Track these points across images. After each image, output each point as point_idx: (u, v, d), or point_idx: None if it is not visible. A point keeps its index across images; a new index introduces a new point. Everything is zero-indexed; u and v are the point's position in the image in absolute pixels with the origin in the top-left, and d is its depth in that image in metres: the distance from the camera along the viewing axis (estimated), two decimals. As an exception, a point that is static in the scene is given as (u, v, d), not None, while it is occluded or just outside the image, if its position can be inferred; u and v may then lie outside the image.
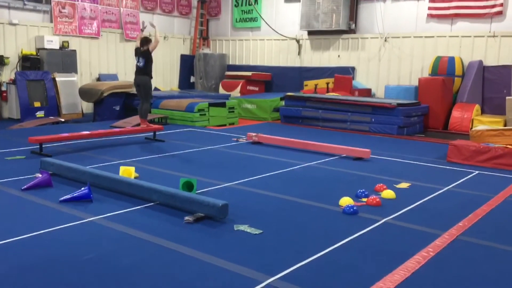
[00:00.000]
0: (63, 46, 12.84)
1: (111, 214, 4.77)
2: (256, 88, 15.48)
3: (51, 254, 3.76)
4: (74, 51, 13.08)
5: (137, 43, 9.36)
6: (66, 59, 12.75)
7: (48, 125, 10.86)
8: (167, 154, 7.99)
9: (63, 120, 11.53)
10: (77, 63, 13.16)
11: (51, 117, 11.53)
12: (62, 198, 5.15)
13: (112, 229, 4.35)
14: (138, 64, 9.22)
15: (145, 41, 9.20)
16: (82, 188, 5.23)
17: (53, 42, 12.50)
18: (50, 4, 12.84)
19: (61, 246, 3.94)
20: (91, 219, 4.61)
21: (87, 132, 8.39)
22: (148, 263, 3.65)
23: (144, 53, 9.13)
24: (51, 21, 12.92)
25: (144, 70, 9.20)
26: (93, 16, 13.84)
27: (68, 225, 4.43)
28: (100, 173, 5.75)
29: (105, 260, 3.69)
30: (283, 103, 13.01)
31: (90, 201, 5.14)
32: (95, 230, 4.34)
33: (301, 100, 12.35)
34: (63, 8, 13.12)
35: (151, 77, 9.38)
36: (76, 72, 12.96)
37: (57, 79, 12.11)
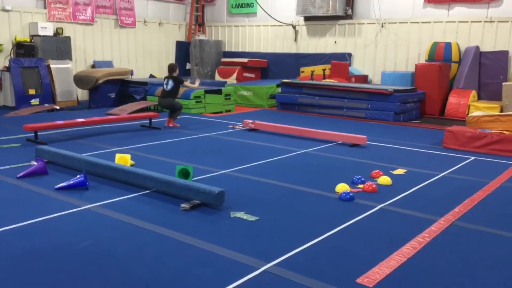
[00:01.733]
0: (57, 33, 12.71)
1: (107, 201, 4.76)
2: (253, 75, 15.42)
3: (47, 242, 3.76)
4: (69, 37, 12.95)
5: None
6: (61, 46, 12.63)
7: (43, 112, 10.80)
8: (163, 141, 7.97)
9: (58, 107, 11.46)
10: (72, 50, 13.05)
11: (46, 105, 11.46)
12: (57, 186, 5.13)
13: (108, 217, 4.35)
14: (166, 86, 9.34)
15: (172, 68, 9.37)
16: (78, 176, 5.21)
17: (47, 29, 12.37)
18: (44, -10, 12.69)
19: (57, 234, 3.94)
20: (87, 206, 4.60)
21: (82, 120, 8.34)
22: (144, 250, 3.65)
23: (175, 79, 9.28)
24: (45, 7, 12.77)
25: (170, 94, 9.35)
26: (87, 2, 13.68)
27: (64, 213, 4.42)
28: (95, 160, 5.73)
29: (101, 247, 3.69)
30: (279, 90, 12.97)
31: (86, 188, 5.12)
32: (91, 217, 4.33)
33: (298, 87, 12.30)
34: (57, -6, 12.96)
35: (176, 97, 9.57)
36: (70, 59, 12.85)
37: (51, 66, 12.01)
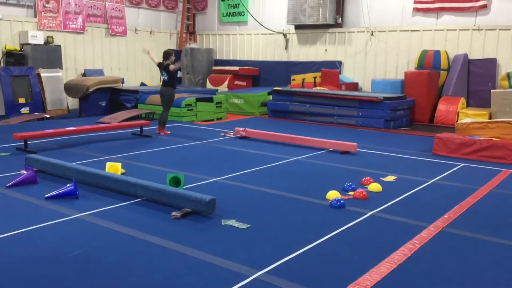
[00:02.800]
0: (48, 41, 12.67)
1: (97, 210, 4.74)
2: (244, 83, 15.46)
3: (36, 252, 3.73)
4: (59, 46, 12.92)
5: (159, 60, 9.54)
6: (51, 55, 12.60)
7: (33, 121, 10.74)
8: (154, 149, 7.96)
9: (48, 116, 11.41)
10: (62, 58, 13.02)
11: (36, 113, 11.41)
12: (47, 195, 5.10)
13: (98, 226, 4.33)
14: (163, 77, 9.45)
15: (164, 55, 9.39)
16: (68, 185, 5.19)
17: (37, 37, 12.34)
18: (34, -2, 12.67)
19: (46, 243, 3.91)
20: (77, 215, 4.58)
21: (73, 128, 8.31)
22: (135, 259, 3.64)
23: (166, 68, 9.31)
24: (35, 16, 12.75)
25: (168, 83, 9.43)
26: (77, 11, 13.68)
27: (53, 222, 4.39)
28: (86, 169, 5.70)
29: (92, 256, 3.67)
30: (270, 97, 13.01)
31: (76, 197, 5.10)
32: (81, 226, 4.31)
33: (289, 95, 12.36)
34: (47, 3, 12.95)
35: (175, 88, 9.63)
36: (61, 67, 12.81)
37: (42, 74, 11.97)
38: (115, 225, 4.34)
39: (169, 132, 9.50)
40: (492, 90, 10.86)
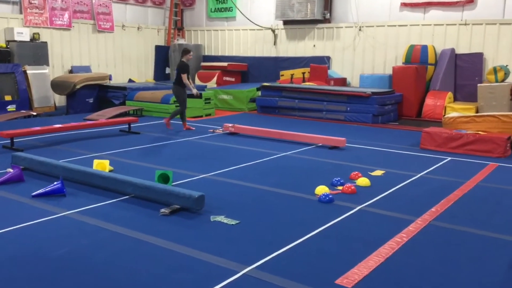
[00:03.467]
0: (34, 38, 12.52)
1: (85, 208, 4.71)
2: (233, 79, 15.42)
3: (23, 250, 3.70)
4: (45, 43, 12.79)
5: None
6: (37, 51, 12.46)
7: (19, 119, 10.63)
8: (142, 146, 7.92)
9: (35, 113, 11.29)
10: (49, 55, 12.88)
11: (23, 111, 11.29)
12: (34, 193, 5.05)
13: (86, 223, 4.30)
14: (176, 75, 9.47)
15: (183, 52, 9.45)
16: (55, 183, 5.14)
17: (23, 34, 12.19)
18: (19, -6, 12.51)
19: (33, 241, 3.88)
20: (64, 213, 4.54)
21: (60, 126, 8.24)
22: (122, 257, 3.62)
23: (178, 67, 9.36)
24: (21, 13, 12.58)
25: (176, 81, 9.46)
26: (64, 7, 13.53)
27: (40, 220, 4.36)
28: (73, 166, 5.66)
29: (79, 254, 3.65)
30: (259, 93, 13.00)
31: (63, 195, 5.06)
32: (68, 224, 4.28)
33: (277, 90, 12.35)
34: (33, -1, 12.79)
35: (182, 87, 9.45)
36: (47, 64, 12.68)
37: (28, 71, 11.83)
38: (103, 222, 4.31)
39: (193, 128, 9.65)
40: (479, 85, 10.95)
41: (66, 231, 4.11)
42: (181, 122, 9.68)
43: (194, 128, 9.62)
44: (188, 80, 9.33)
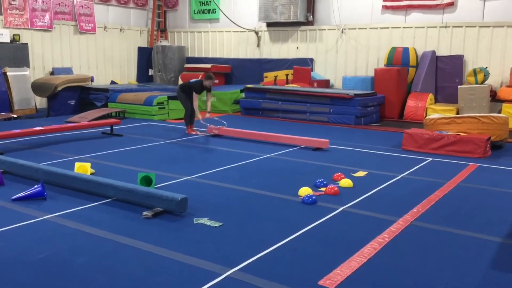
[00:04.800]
0: (14, 40, 12.35)
1: (66, 211, 4.65)
2: (216, 81, 15.32)
3: (3, 254, 3.63)
4: (26, 44, 12.61)
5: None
6: (18, 53, 12.29)
7: (-1, 121, 10.46)
8: (124, 148, 7.85)
9: (15, 116, 11.12)
10: (29, 56, 12.71)
11: (3, 113, 11.10)
12: (14, 197, 4.98)
13: (67, 227, 4.24)
14: (196, 93, 9.39)
15: (207, 76, 9.36)
16: (35, 186, 5.07)
17: (3, 36, 12.01)
18: (-2, -5, 12.32)
19: (13, 246, 3.82)
20: (44, 217, 4.48)
21: (41, 128, 8.12)
22: (104, 261, 3.58)
23: (195, 84, 9.30)
24: (1, 14, 12.39)
25: (182, 88, 9.52)
26: (45, 8, 13.37)
27: (20, 224, 4.29)
28: (54, 170, 5.59)
29: (59, 258, 3.60)
30: (243, 95, 13.00)
31: (43, 199, 4.99)
32: (49, 228, 4.22)
33: (261, 92, 12.37)
34: (13, 0, 12.61)
35: (182, 91, 9.48)
36: (28, 66, 12.51)
37: (8, 73, 11.65)
38: (84, 226, 4.27)
39: (195, 131, 9.49)
40: (459, 86, 11.12)
41: (46, 235, 4.05)
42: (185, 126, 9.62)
43: (198, 133, 9.40)
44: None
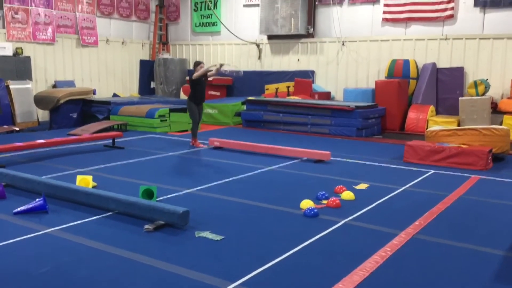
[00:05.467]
0: (17, 53, 12.44)
1: (68, 225, 4.65)
2: (218, 93, 15.45)
3: (5, 268, 3.63)
4: (28, 57, 12.71)
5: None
6: (20, 66, 12.38)
7: (2, 134, 10.48)
8: (126, 161, 7.86)
9: (17, 129, 11.16)
10: (32, 69, 12.80)
11: (5, 126, 11.14)
12: (16, 210, 4.98)
13: (69, 241, 4.24)
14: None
15: (194, 64, 9.35)
16: (37, 199, 5.07)
17: (5, 49, 12.11)
18: (2, 9, 12.42)
19: (15, 260, 3.81)
20: (46, 231, 4.48)
21: (43, 141, 8.15)
22: (106, 274, 3.58)
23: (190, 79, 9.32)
24: (4, 27, 12.50)
25: (190, 94, 9.41)
26: (47, 22, 13.48)
27: (22, 237, 4.29)
28: (56, 183, 5.60)
29: (61, 272, 3.59)
30: (244, 107, 13.04)
31: (45, 212, 4.99)
32: (50, 242, 4.22)
33: (262, 104, 12.41)
34: (16, 13, 12.73)
35: (191, 100, 9.36)
36: (30, 79, 12.59)
37: (11, 86, 11.72)
38: (86, 240, 4.26)
39: (202, 145, 9.32)
40: (460, 98, 11.14)
41: (48, 249, 4.05)
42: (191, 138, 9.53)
43: (204, 146, 9.31)
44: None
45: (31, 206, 5.00)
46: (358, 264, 3.79)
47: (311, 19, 14.00)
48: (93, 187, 5.92)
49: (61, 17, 13.88)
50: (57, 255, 3.91)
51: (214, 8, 15.62)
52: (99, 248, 4.08)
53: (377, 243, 4.27)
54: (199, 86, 9.32)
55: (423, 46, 12.51)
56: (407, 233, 4.56)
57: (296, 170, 7.33)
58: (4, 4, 12.43)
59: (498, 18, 11.55)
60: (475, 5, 11.74)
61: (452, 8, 12.01)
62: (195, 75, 9.17)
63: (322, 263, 3.86)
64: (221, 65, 9.33)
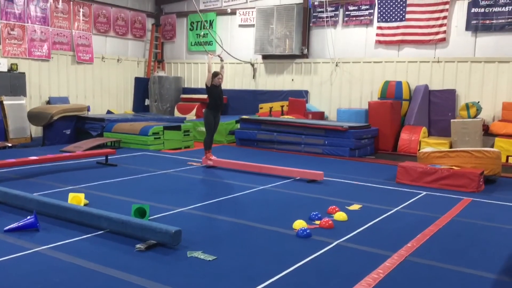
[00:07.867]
0: (12, 69, 12.46)
1: (59, 243, 4.61)
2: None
3: (-8, 288, 3.59)
4: (23, 73, 12.72)
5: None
6: (15, 82, 12.39)
7: (-7, 150, 10.43)
8: (119, 179, 7.83)
9: (10, 145, 11.11)
10: (26, 85, 12.80)
11: (-2, 142, 11.10)
12: (6, 228, 4.94)
13: (59, 260, 4.20)
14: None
15: (212, 76, 9.27)
16: (28, 217, 5.04)
17: (1, 65, 12.14)
18: (-2, 25, 12.49)
19: (4, 278, 3.77)
20: (37, 249, 4.44)
21: (35, 158, 8.12)
22: (97, 294, 3.54)
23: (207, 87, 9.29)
24: (-1, 43, 12.55)
25: (207, 104, 9.38)
26: (43, 38, 13.54)
27: (12, 256, 4.24)
28: (47, 200, 5.56)
29: (51, 292, 3.55)
30: (238, 126, 13.08)
31: (36, 230, 4.95)
32: (41, 261, 4.17)
33: (256, 123, 12.46)
34: (12, 30, 12.78)
35: (210, 109, 9.24)
36: (25, 95, 12.58)
37: (4, 102, 11.70)
38: (76, 259, 4.23)
39: (211, 160, 9.12)
40: (452, 120, 11.25)
41: (38, 268, 4.01)
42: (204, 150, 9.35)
43: (211, 160, 9.16)
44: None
45: (22, 223, 4.96)
46: (351, 286, 3.77)
47: (305, 40, 14.17)
48: (85, 205, 5.89)
49: (57, 34, 13.95)
50: (47, 275, 3.87)
51: (209, 28, 15.77)
52: (90, 268, 4.04)
53: (369, 264, 4.27)
54: (216, 91, 9.20)
55: (416, 68, 12.67)
56: (399, 255, 4.56)
57: (289, 190, 7.34)
58: (0, 21, 12.49)
59: (489, 42, 11.75)
60: (467, 29, 11.95)
61: (444, 32, 12.21)
62: (207, 81, 9.20)
63: (315, 285, 3.84)
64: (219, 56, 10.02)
